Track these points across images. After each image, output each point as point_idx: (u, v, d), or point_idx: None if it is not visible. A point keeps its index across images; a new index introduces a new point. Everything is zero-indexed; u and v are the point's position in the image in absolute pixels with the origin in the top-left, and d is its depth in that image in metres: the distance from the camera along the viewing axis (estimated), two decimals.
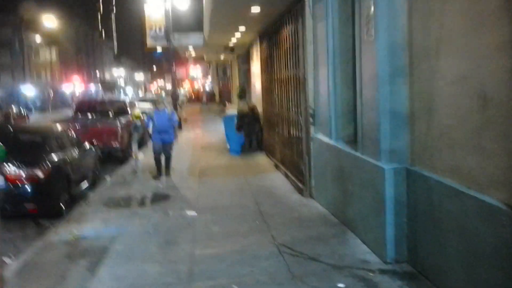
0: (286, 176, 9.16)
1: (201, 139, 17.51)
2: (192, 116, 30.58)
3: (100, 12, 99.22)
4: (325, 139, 6.56)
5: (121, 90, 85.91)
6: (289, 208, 7.00)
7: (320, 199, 6.99)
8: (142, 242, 5.76)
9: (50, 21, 38.96)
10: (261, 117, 13.16)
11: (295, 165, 8.48)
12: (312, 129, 7.20)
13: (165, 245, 5.64)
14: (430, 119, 4.04)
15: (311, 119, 7.21)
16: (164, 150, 9.89)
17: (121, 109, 14.17)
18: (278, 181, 9.07)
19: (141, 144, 15.10)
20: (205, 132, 20.09)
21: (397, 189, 4.45)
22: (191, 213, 7.02)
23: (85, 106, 14.46)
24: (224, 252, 5.24)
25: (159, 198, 8.13)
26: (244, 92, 19.80)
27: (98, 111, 14.05)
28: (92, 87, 72.72)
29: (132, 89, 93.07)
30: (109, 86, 79.63)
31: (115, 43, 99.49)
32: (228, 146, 13.58)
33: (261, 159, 11.85)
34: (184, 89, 67.97)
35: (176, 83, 32.69)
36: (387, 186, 4.46)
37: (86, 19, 71.58)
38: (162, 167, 9.95)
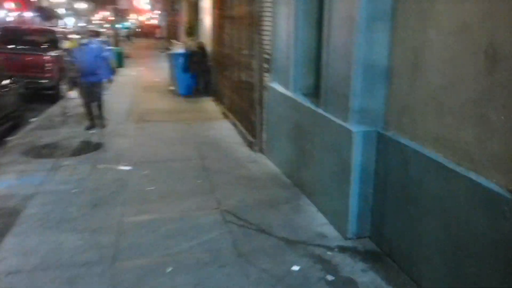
0: (235, 125, 8.35)
1: (144, 78, 16.20)
2: (137, 51, 28.70)
3: None
4: (281, 89, 5.75)
5: (62, 20, 79.87)
6: (237, 164, 6.25)
7: (272, 156, 6.29)
8: (61, 204, 4.84)
9: None
10: (210, 59, 12.10)
11: (245, 115, 7.66)
12: (266, 76, 6.35)
13: (89, 208, 4.76)
14: (416, 77, 3.31)
15: (266, 65, 6.33)
16: (93, 94, 8.05)
17: (53, 39, 12.56)
18: (226, 131, 8.25)
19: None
20: (149, 70, 18.69)
21: (365, 155, 3.78)
22: (124, 167, 6.12)
23: (10, 34, 12.61)
24: (159, 220, 4.45)
25: (88, 147, 7.12)
26: (193, 29, 18.36)
27: (26, 40, 12.33)
28: (29, 14, 66.88)
29: (74, 19, 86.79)
30: (48, 14, 73.60)
31: None
32: (174, 88, 12.51)
33: (208, 105, 10.92)
34: (131, 22, 64.25)
35: (120, 14, 30.30)
36: (354, 151, 3.77)
37: None
38: (93, 116, 8.26)
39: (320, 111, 4.46)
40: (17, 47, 11.95)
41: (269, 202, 4.87)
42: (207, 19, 12.76)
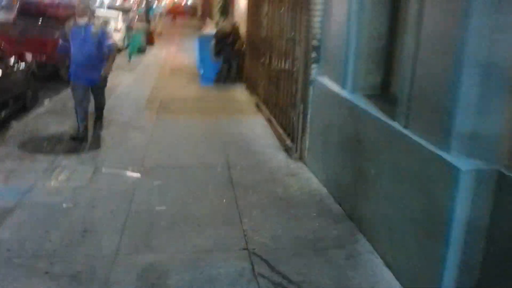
0: (270, 122, 7.08)
1: (173, 60, 15.04)
2: (169, 30, 27.61)
3: None
4: (333, 86, 4.44)
5: None
6: (271, 177, 4.99)
7: (316, 169, 5.01)
8: (43, 227, 3.72)
9: None
10: (244, 41, 10.81)
11: (283, 111, 6.39)
12: (314, 68, 5.04)
13: (77, 236, 3.62)
14: None
15: (314, 54, 5.01)
16: (93, 95, 6.10)
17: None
18: (258, 128, 6.99)
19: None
20: (179, 51, 17.53)
21: (475, 206, 2.46)
22: (132, 173, 4.96)
23: (29, 7, 11.64)
24: (165, 264, 3.26)
25: (96, 142, 6.02)
26: (227, 8, 17.03)
27: (46, 16, 11.34)
28: None
29: None
30: None
31: None
32: (203, 72, 11.30)
33: (240, 94, 9.67)
34: (159, 2, 63.50)
35: None
36: (458, 198, 2.46)
37: None
38: (87, 122, 5.99)
39: (395, 126, 3.14)
40: (35, 23, 10.98)
41: (314, 244, 3.60)
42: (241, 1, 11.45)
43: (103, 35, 5.81)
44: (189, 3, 58.56)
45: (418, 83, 2.89)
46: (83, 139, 5.89)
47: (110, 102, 8.05)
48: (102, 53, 5.79)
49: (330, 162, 4.51)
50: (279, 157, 5.67)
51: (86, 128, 5.98)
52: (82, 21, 5.74)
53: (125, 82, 10.35)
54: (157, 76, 11.44)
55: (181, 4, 66.82)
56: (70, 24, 5.89)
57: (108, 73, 6.08)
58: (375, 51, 3.92)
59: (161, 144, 6.04)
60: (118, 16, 16.87)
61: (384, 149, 3.31)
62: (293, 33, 5.76)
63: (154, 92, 9.36)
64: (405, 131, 3.00)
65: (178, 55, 16.66)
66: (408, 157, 2.95)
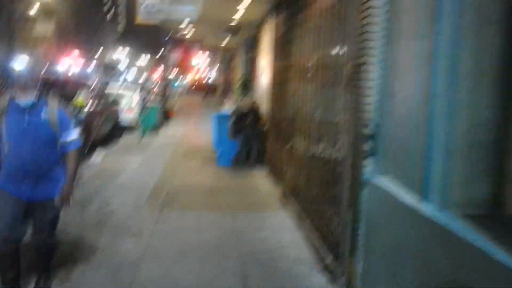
0: (300, 221, 5.61)
1: (188, 139, 13.95)
2: (186, 107, 27.11)
3: None
4: (405, 195, 3.00)
5: (123, 74, 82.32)
6: None
7: None
8: None
9: None
10: (266, 121, 9.64)
11: (319, 211, 4.92)
12: (368, 164, 3.64)
13: None
14: None
15: (367, 145, 3.64)
16: (34, 223, 3.58)
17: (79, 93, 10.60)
18: (286, 232, 5.49)
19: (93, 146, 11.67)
20: (196, 130, 16.53)
21: None
22: None
23: None
24: None
25: (76, 251, 4.57)
26: (247, 85, 16.19)
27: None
28: (90, 67, 69.03)
29: (135, 73, 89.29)
30: (109, 67, 75.91)
31: (121, 23, 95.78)
32: (219, 155, 10.06)
33: (262, 180, 8.30)
34: (183, 79, 64.85)
35: (172, 69, 29.26)
36: None
37: None
38: (16, 274, 3.51)
39: None
40: None
41: None
42: (264, 74, 10.44)
43: (64, 123, 3.53)
44: (210, 81, 59.65)
45: None
46: None
47: (106, 193, 6.78)
48: (59, 154, 3.56)
49: None
50: (316, 282, 4.12)
51: (13, 278, 3.46)
52: (26, 98, 3.42)
53: (130, 166, 9.11)
54: (169, 158, 10.21)
55: (202, 81, 68.14)
56: (2, 102, 3.49)
57: (69, 194, 3.58)
58: (481, 146, 2.51)
59: (159, 260, 4.54)
60: (134, 93, 16.14)
61: None
62: (335, 116, 4.45)
63: (162, 179, 8.04)
64: None
65: (194, 133, 15.63)
66: None
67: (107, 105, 11.72)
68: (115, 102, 12.48)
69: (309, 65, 5.67)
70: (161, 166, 9.29)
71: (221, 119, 9.92)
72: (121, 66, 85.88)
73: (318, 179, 5.06)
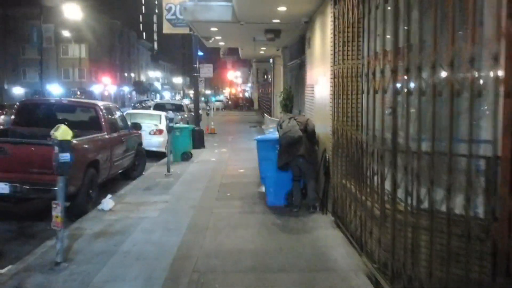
0: None
1: (224, 167, 11.57)
2: (224, 126, 24.90)
3: (141, 12, 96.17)
4: None
5: (158, 94, 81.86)
6: None
7: None
8: None
9: (73, 12, 34.19)
10: (322, 143, 7.14)
11: None
12: None
13: None
14: None
15: None
16: None
17: (94, 120, 8.45)
18: None
19: (109, 181, 9.50)
20: (234, 153, 14.19)
21: None
22: None
23: (30, 110, 8.74)
24: None
25: None
26: (291, 99, 13.72)
27: (50, 119, 8.38)
28: (125, 88, 68.64)
29: (170, 93, 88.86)
30: (144, 88, 75.48)
31: (155, 44, 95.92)
32: (264, 190, 7.68)
33: (328, 237, 5.77)
34: (219, 93, 63.35)
35: (209, 84, 27.34)
36: None
37: (123, 17, 67.63)
38: None
39: None
40: (33, 130, 7.99)
41: None
42: (319, 83, 7.97)
43: None
44: (246, 94, 57.80)
45: None
46: None
47: (102, 275, 4.45)
48: None
49: None
50: None
51: None
52: None
53: (148, 214, 6.81)
54: (199, 201, 7.84)
55: (239, 95, 66.42)
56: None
57: None
58: None
59: None
60: (160, 116, 13.99)
61: None
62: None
63: (189, 240, 5.65)
64: None
65: (234, 157, 13.27)
66: None
67: (125, 130, 9.51)
68: (137, 126, 10.27)
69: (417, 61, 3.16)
70: (190, 213, 6.94)
71: (266, 145, 7.49)
72: (158, 84, 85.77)
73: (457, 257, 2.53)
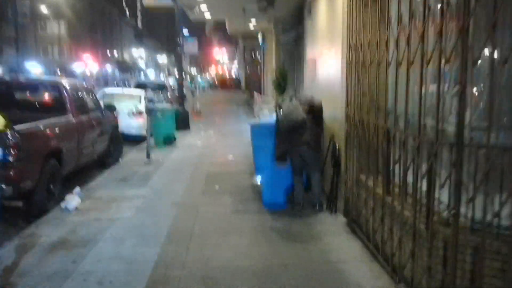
0: None
1: (211, 153, 10.38)
2: (211, 107, 23.61)
3: None
4: None
5: (141, 73, 79.67)
6: None
7: None
8: None
9: None
10: (328, 128, 5.98)
11: None
12: None
13: None
14: None
15: None
16: None
17: (58, 101, 7.16)
18: None
19: (75, 175, 8.25)
20: (221, 137, 12.98)
21: None
22: None
23: None
24: None
25: None
26: (285, 78, 12.44)
27: (7, 100, 7.07)
28: (108, 67, 66.42)
29: (154, 72, 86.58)
30: (127, 67, 73.22)
31: (138, 21, 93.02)
32: (259, 183, 6.56)
33: (340, 242, 4.67)
34: (205, 74, 61.78)
35: (194, 64, 25.99)
36: None
37: None
38: None
39: None
40: None
41: None
42: (323, 60, 6.76)
43: None
44: (233, 74, 56.41)
45: None
46: None
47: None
48: None
49: None
50: None
51: None
52: None
53: (121, 215, 5.62)
54: (183, 196, 6.66)
55: (226, 76, 64.79)
56: None
57: None
58: None
59: None
60: (140, 96, 12.63)
61: None
62: None
63: (168, 253, 4.47)
64: None
65: (223, 142, 12.05)
66: None
67: (97, 112, 8.24)
68: (111, 107, 8.98)
69: None
70: (172, 212, 5.77)
71: (263, 130, 6.31)
72: (142, 63, 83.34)
73: None
